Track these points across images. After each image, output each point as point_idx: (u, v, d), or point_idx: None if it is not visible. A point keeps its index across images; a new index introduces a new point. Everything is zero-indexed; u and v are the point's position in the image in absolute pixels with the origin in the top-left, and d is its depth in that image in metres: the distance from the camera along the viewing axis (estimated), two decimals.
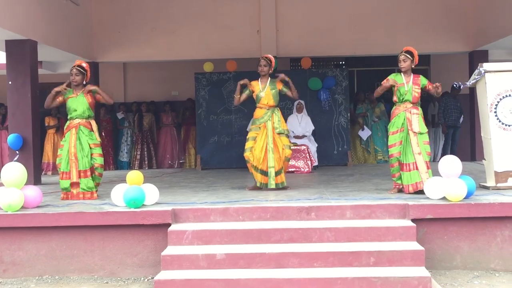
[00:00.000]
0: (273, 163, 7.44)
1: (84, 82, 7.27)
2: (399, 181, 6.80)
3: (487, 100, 6.92)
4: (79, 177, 7.05)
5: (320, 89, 11.75)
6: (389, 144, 6.91)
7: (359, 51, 12.11)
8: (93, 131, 7.19)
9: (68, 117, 7.20)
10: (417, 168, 6.64)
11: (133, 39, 11.94)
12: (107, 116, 13.02)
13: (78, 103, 7.14)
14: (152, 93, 13.77)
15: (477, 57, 11.21)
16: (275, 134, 7.53)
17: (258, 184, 7.54)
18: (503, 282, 5.46)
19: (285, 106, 11.65)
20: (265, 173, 7.48)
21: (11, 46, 9.02)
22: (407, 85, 6.78)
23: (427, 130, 6.84)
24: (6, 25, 8.22)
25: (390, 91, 7.04)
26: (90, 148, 7.11)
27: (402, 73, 6.88)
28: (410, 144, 6.70)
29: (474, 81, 7.10)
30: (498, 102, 6.89)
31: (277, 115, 7.61)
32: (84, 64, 7.24)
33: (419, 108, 6.84)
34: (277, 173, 7.49)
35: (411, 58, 6.81)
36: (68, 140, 7.10)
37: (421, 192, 6.51)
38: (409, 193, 6.63)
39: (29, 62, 9.05)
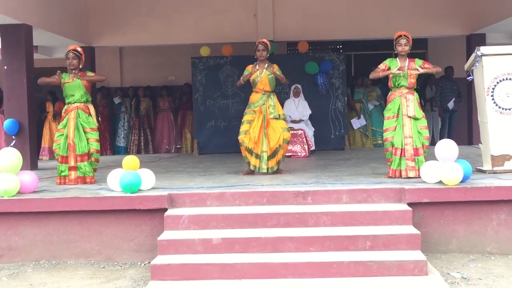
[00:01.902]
0: (266, 148, 7.43)
1: (80, 66, 7.25)
2: (394, 166, 6.79)
3: (484, 84, 6.89)
4: (77, 161, 7.04)
5: (317, 73, 11.70)
6: (384, 128, 6.89)
7: (357, 35, 12.05)
8: (90, 115, 7.18)
9: (66, 101, 7.21)
10: (404, 155, 6.63)
11: (129, 23, 11.86)
12: (104, 101, 12.99)
13: (75, 88, 7.15)
14: (149, 78, 13.72)
15: (474, 41, 11.18)
16: (269, 119, 7.51)
17: (251, 168, 7.53)
18: (498, 266, 5.48)
19: (282, 90, 11.60)
20: (259, 156, 7.47)
21: (6, 31, 8.96)
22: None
23: (423, 114, 6.82)
24: (1, 9, 8.15)
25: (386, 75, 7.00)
26: (85, 132, 7.10)
27: (397, 58, 6.85)
28: (402, 130, 6.69)
29: (473, 66, 7.06)
30: (495, 85, 6.87)
31: (272, 100, 7.59)
32: (79, 48, 7.25)
33: (415, 93, 6.82)
34: (269, 158, 7.47)
35: (410, 43, 6.79)
36: (67, 125, 7.10)
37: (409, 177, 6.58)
38: (394, 177, 6.66)
39: (24, 46, 8.99)
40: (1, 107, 12.20)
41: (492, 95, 6.87)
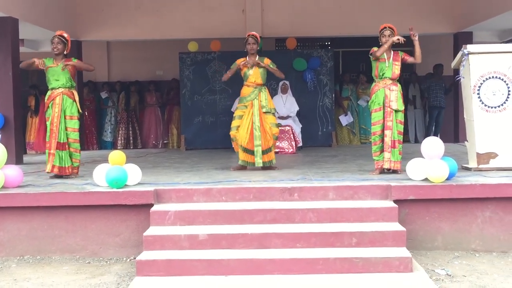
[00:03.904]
0: (259, 141, 7.43)
1: (65, 53, 7.18)
2: (380, 159, 6.81)
3: (470, 82, 6.93)
4: (56, 148, 6.98)
5: (305, 69, 11.72)
6: (372, 121, 6.90)
7: (345, 32, 12.07)
8: (75, 101, 7.12)
9: (50, 87, 7.12)
10: (383, 146, 6.71)
11: (117, 17, 11.80)
12: (91, 95, 12.93)
13: (60, 73, 7.08)
14: (136, 72, 13.67)
15: (462, 39, 11.24)
16: (261, 113, 7.50)
17: (241, 163, 7.53)
18: (483, 263, 5.52)
19: (269, 86, 11.52)
20: (251, 152, 7.46)
21: None
22: (388, 61, 6.79)
23: (403, 108, 6.84)
24: None
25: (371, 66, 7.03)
26: (65, 120, 7.04)
27: None
28: (384, 121, 6.72)
29: (459, 64, 7.10)
30: (481, 84, 6.90)
31: (264, 93, 7.58)
32: (65, 34, 7.19)
33: (398, 85, 6.85)
34: (265, 152, 7.47)
35: (394, 35, 6.82)
36: (51, 110, 7.03)
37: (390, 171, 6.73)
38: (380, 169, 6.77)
39: (10, 40, 8.92)
40: None
41: (478, 93, 6.91)
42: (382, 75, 6.80)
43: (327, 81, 11.87)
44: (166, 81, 13.29)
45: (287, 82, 11.11)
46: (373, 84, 6.94)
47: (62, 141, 7.01)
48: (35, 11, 9.69)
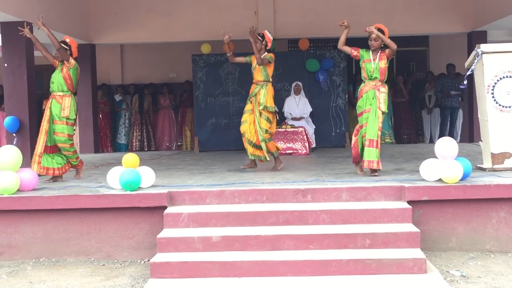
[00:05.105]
0: (261, 137, 7.46)
1: (70, 57, 7.21)
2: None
3: (484, 82, 6.88)
4: (44, 151, 7.03)
5: (318, 70, 11.70)
6: (359, 124, 6.85)
7: (358, 32, 11.93)
8: (63, 106, 7.06)
9: (50, 90, 7.23)
10: (376, 146, 6.67)
11: (130, 21, 11.85)
12: (105, 98, 13.00)
13: (55, 76, 7.16)
14: (150, 75, 13.72)
15: (475, 38, 11.15)
16: (257, 111, 7.52)
17: (251, 157, 7.59)
18: (498, 263, 5.47)
19: (282, 88, 11.63)
20: (259, 146, 7.51)
21: (6, 28, 8.95)
22: (373, 62, 6.77)
23: (387, 111, 6.84)
24: (1, 7, 8.16)
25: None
26: (54, 124, 7.07)
27: (370, 50, 6.87)
28: (376, 122, 6.66)
29: (472, 64, 7.05)
30: (495, 83, 6.85)
31: (264, 91, 7.53)
32: (67, 40, 7.24)
33: (386, 87, 6.83)
34: (257, 147, 7.51)
35: (380, 39, 6.79)
36: (44, 113, 7.13)
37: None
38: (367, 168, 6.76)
39: (25, 44, 8.98)
40: (2, 105, 12.23)
41: (492, 93, 6.86)
42: (371, 76, 6.78)
43: (340, 81, 11.84)
44: (179, 83, 13.34)
45: (300, 83, 11.11)
46: (362, 85, 6.91)
47: (49, 145, 7.07)
48: (49, 15, 9.74)
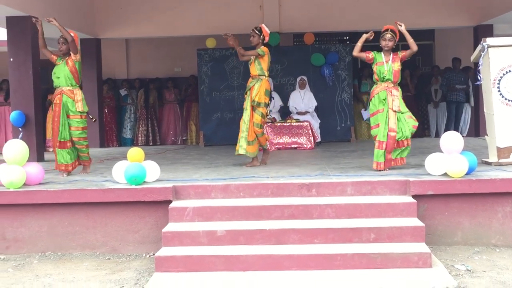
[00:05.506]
0: (246, 133, 7.47)
1: (72, 52, 7.20)
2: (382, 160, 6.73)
3: (490, 75, 6.85)
4: (58, 147, 7.04)
5: (323, 64, 11.68)
6: (372, 124, 6.82)
7: (363, 26, 11.93)
8: (75, 100, 7.10)
9: (54, 85, 7.20)
10: (386, 148, 6.61)
11: (135, 15, 11.86)
12: (110, 92, 13.02)
13: (61, 70, 7.13)
14: (155, 69, 13.73)
15: (482, 32, 11.09)
16: (251, 106, 7.52)
17: (249, 155, 7.56)
18: (503, 258, 5.46)
19: (287, 82, 11.62)
20: (251, 142, 7.51)
21: (12, 23, 8.98)
22: (386, 64, 6.70)
23: (407, 110, 6.77)
24: (6, 1, 8.17)
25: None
26: (69, 119, 7.08)
27: (382, 52, 6.81)
28: (387, 123, 6.63)
29: (478, 57, 7.02)
30: (501, 77, 6.82)
31: (257, 85, 7.49)
32: (72, 33, 7.22)
33: (399, 89, 6.75)
34: (250, 143, 7.48)
35: (395, 38, 6.75)
36: (53, 108, 7.12)
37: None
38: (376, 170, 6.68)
39: (30, 39, 9.00)
40: (8, 99, 12.27)
41: (498, 87, 6.82)
42: (383, 78, 6.72)
43: (345, 76, 11.82)
44: (184, 78, 13.34)
45: (305, 78, 11.10)
46: (374, 86, 6.85)
47: (63, 140, 7.06)
48: (54, 9, 9.77)
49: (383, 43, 6.78)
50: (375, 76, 6.82)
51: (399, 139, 6.65)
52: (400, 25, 6.74)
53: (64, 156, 7.08)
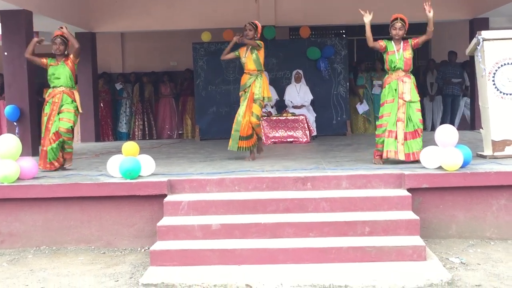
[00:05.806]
0: (238, 127, 7.46)
1: (66, 52, 7.19)
2: (381, 149, 6.73)
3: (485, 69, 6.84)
4: (49, 144, 6.98)
5: (319, 58, 11.65)
6: (380, 114, 6.84)
7: (359, 20, 11.82)
8: (75, 100, 7.09)
9: (51, 85, 7.14)
10: (396, 137, 6.59)
11: (130, 9, 11.80)
12: (106, 87, 12.99)
13: (61, 71, 7.08)
14: (151, 63, 13.69)
15: (477, 25, 11.06)
16: (251, 101, 7.48)
17: (238, 149, 7.56)
18: (498, 251, 5.48)
19: (283, 75, 11.59)
20: (243, 138, 7.49)
21: (6, 17, 8.93)
22: (397, 53, 6.69)
23: (419, 98, 6.76)
24: None
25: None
26: (61, 112, 7.01)
27: (392, 41, 6.80)
28: (396, 113, 6.63)
29: (474, 50, 7.02)
30: (496, 70, 6.82)
31: (259, 81, 7.50)
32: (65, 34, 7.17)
33: (412, 76, 6.74)
34: (244, 138, 7.48)
35: (405, 27, 6.74)
36: (50, 107, 7.06)
37: (398, 161, 6.61)
38: (386, 158, 6.65)
39: (25, 32, 8.94)
40: (2, 94, 12.22)
41: (493, 80, 6.83)
42: (394, 67, 6.71)
43: (341, 69, 11.81)
44: (180, 72, 13.30)
45: (301, 71, 11.08)
46: (386, 76, 6.86)
47: (56, 131, 6.99)
48: (49, 3, 9.74)
49: (393, 32, 6.77)
50: (386, 65, 6.81)
51: (410, 130, 6.61)
52: (430, 11, 6.70)
53: (55, 151, 7.01)
